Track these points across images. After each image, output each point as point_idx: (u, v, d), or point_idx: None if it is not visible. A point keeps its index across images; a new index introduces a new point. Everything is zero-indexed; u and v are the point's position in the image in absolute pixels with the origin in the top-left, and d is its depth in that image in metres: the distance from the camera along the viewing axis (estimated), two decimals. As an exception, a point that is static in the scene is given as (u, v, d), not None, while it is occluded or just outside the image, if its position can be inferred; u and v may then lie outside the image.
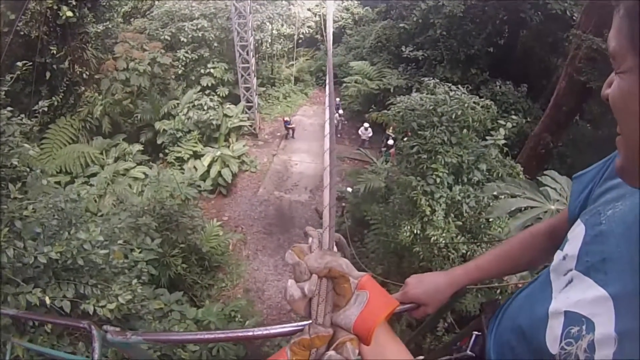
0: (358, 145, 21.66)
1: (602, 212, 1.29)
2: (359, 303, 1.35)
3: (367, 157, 18.34)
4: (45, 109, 16.74)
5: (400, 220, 11.90)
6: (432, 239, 10.77)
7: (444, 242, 10.77)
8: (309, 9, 29.89)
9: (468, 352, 1.97)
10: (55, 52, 18.88)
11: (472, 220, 11.52)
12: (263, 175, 22.08)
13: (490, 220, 11.35)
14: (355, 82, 23.97)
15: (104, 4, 20.91)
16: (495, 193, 9.28)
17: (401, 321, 12.36)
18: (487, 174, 11.39)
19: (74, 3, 18.59)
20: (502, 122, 11.87)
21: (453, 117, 11.21)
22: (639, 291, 1.00)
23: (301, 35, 29.73)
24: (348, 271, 1.34)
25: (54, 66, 19.20)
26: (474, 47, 21.78)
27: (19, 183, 7.76)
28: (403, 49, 23.44)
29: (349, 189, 18.96)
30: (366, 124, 20.88)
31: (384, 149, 20.94)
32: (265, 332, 1.92)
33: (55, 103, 19.09)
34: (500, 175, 11.22)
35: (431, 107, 11.46)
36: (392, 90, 22.03)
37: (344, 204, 18.68)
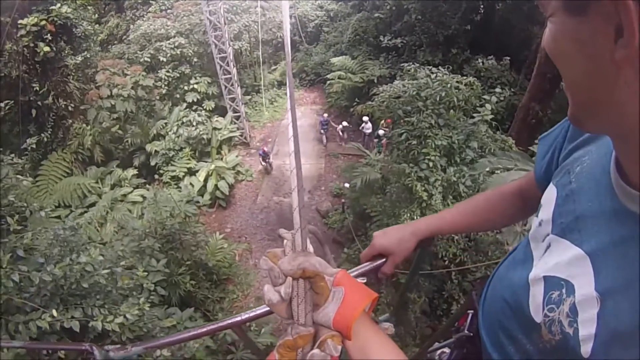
0: (359, 141, 21.38)
1: (570, 170, 1.27)
2: (336, 300, 1.36)
3: (359, 151, 18.26)
4: (34, 146, 17.04)
5: (399, 208, 11.88)
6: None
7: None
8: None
9: (465, 332, 1.96)
10: (37, 88, 18.90)
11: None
12: (260, 182, 22.04)
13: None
14: (339, 77, 23.89)
15: (79, 34, 20.74)
16: (488, 169, 9.30)
17: (415, 309, 12.42)
18: (479, 151, 11.38)
19: (50, 38, 18.66)
20: (487, 97, 11.85)
21: (437, 99, 11.21)
22: (616, 244, 0.97)
23: (279, 39, 29.49)
24: (322, 269, 1.36)
25: (39, 103, 19.21)
26: (451, 27, 21.73)
27: (17, 217, 7.80)
28: (381, 38, 23.46)
29: (347, 185, 19.06)
30: (365, 118, 20.61)
31: (376, 140, 20.89)
32: (252, 314, 2.00)
33: (45, 139, 19.41)
34: (492, 150, 11.21)
35: (414, 93, 11.45)
36: (376, 81, 21.94)
37: (343, 200, 18.73)
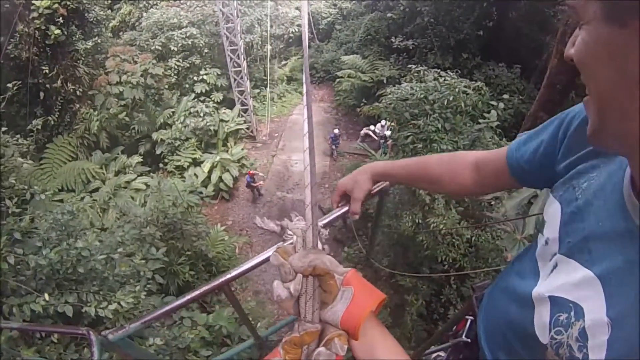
0: (374, 147, 21.16)
1: (576, 186, 1.24)
2: (345, 299, 1.37)
3: (366, 151, 18.21)
4: (40, 128, 17.05)
5: (401, 210, 11.89)
6: (433, 226, 10.74)
7: (444, 229, 10.73)
8: (297, 8, 29.74)
9: (464, 338, 1.97)
10: (47, 72, 18.95)
11: (473, 204, 11.50)
12: (264, 176, 22.05)
13: (492, 203, 11.35)
14: (348, 76, 23.80)
15: (92, 19, 20.84)
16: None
17: (411, 311, 12.45)
18: (484, 156, 11.39)
19: (62, 21, 18.70)
20: (494, 103, 11.82)
21: (445, 103, 11.19)
22: (629, 267, 0.93)
23: (291, 35, 29.67)
24: (332, 268, 1.37)
25: (47, 86, 19.27)
26: (463, 31, 21.66)
27: (16, 199, 7.83)
28: (393, 39, 23.34)
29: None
30: (383, 122, 20.02)
31: (382, 141, 20.88)
32: (239, 270, 2.04)
33: (52, 122, 19.49)
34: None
35: (422, 96, 11.43)
36: (385, 82, 21.89)
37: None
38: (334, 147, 22.41)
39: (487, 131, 11.16)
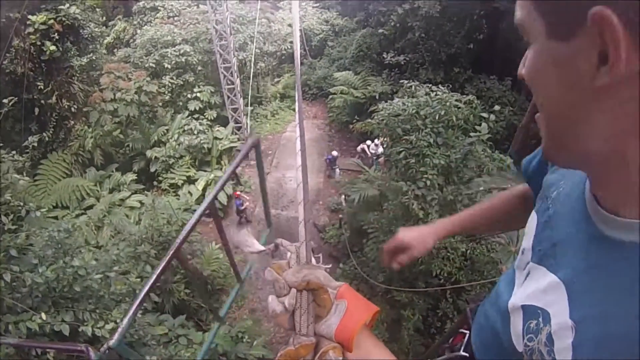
0: (368, 163, 20.84)
1: (548, 196, 1.26)
2: (338, 312, 1.44)
3: (359, 167, 18.19)
4: (35, 145, 17.07)
5: (395, 226, 11.89)
6: (426, 241, 10.75)
7: (439, 243, 10.74)
8: (289, 25, 29.71)
9: (461, 352, 1.95)
10: (42, 87, 19.06)
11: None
12: (258, 194, 21.79)
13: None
14: (341, 92, 23.83)
15: (87, 36, 20.93)
16: (482, 188, 9.30)
17: (408, 326, 12.43)
18: (477, 170, 11.41)
19: (57, 37, 18.80)
20: (485, 115, 11.85)
21: (437, 118, 11.26)
22: (591, 271, 0.95)
23: (284, 52, 29.62)
24: (326, 282, 1.45)
25: (42, 102, 19.35)
26: (454, 46, 21.83)
27: (12, 216, 7.82)
28: (385, 55, 23.48)
29: (342, 198, 19.15)
30: (377, 141, 19.99)
31: (374, 158, 20.92)
32: (186, 230, 2.02)
33: (46, 138, 19.50)
34: (490, 170, 11.23)
35: (414, 111, 11.50)
36: (377, 97, 21.90)
37: (341, 216, 18.69)
38: (331, 168, 22.34)
39: (478, 144, 11.21)
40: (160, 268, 2.21)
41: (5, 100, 10.68)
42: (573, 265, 1.01)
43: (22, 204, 8.72)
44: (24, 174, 13.41)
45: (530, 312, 1.11)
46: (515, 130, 16.80)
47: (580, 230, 1.02)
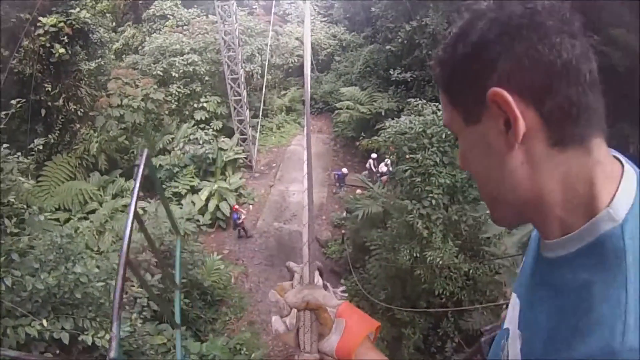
0: (373, 179, 20.51)
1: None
2: (339, 330, 1.50)
3: (363, 183, 18.08)
4: (41, 147, 16.99)
5: (399, 244, 11.84)
6: (429, 259, 10.68)
7: (440, 262, 10.67)
8: (297, 38, 29.77)
9: None
10: (49, 89, 19.01)
11: (471, 237, 11.47)
12: (261, 207, 21.99)
13: (489, 237, 11.30)
14: (347, 107, 23.83)
15: (96, 41, 20.98)
16: (488, 211, 9.23)
17: (409, 344, 12.33)
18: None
19: (67, 40, 18.81)
20: None
21: (443, 136, 11.22)
22: (533, 287, 1.09)
23: (291, 65, 29.63)
24: (325, 302, 1.54)
25: (49, 104, 19.30)
26: (460, 64, 21.63)
27: (15, 219, 7.76)
28: (391, 72, 23.48)
29: (344, 214, 19.27)
30: (387, 160, 19.46)
31: (378, 175, 20.84)
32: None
33: (52, 141, 19.38)
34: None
35: (420, 129, 11.46)
36: (383, 114, 21.88)
37: (344, 231, 18.61)
38: (338, 184, 22.28)
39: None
40: (120, 279, 2.15)
41: (13, 102, 10.65)
42: (524, 283, 1.16)
43: (25, 206, 8.64)
44: (29, 176, 13.39)
45: (504, 333, 1.23)
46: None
47: (531, 256, 1.16)
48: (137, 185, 2.10)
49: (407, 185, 11.41)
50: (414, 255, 11.08)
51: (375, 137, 12.79)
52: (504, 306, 10.60)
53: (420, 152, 11.18)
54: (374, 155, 20.91)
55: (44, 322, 5.81)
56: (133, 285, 9.45)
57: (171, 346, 11.44)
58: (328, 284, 2.26)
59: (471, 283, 11.79)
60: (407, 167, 11.25)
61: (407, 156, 11.40)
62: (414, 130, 11.47)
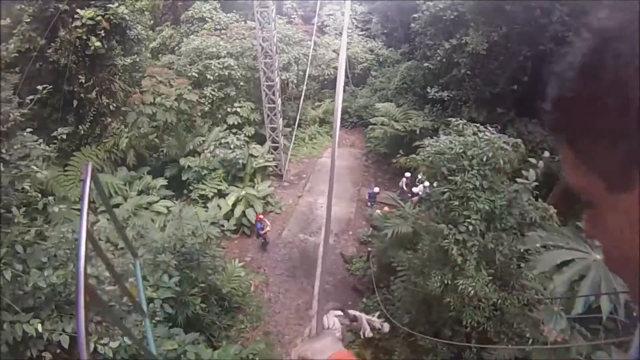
0: (404, 199, 19.67)
1: None
2: None
3: (395, 202, 17.51)
4: (65, 137, 16.96)
5: (429, 268, 11.25)
6: (460, 288, 10.06)
7: (472, 291, 10.03)
8: (334, 50, 29.58)
9: None
10: (83, 81, 19.04)
11: (503, 267, 10.84)
12: (288, 217, 21.63)
13: (521, 265, 10.68)
14: (382, 124, 23.43)
15: (133, 37, 20.96)
16: (538, 245, 8.67)
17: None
18: (519, 218, 10.72)
19: (103, 34, 18.82)
20: (532, 160, 11.14)
21: (484, 159, 10.60)
22: None
23: (327, 77, 29.37)
24: (317, 356, 1.66)
25: (82, 95, 19.34)
26: (498, 85, 21.13)
27: (24, 208, 7.40)
28: (428, 89, 22.87)
29: (371, 230, 19.09)
30: (427, 183, 18.49)
31: (409, 195, 20.34)
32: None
33: (82, 132, 19.60)
34: (533, 219, 10.53)
35: (460, 150, 10.83)
36: (418, 132, 21.57)
37: (370, 249, 18.06)
38: (370, 203, 21.65)
39: (524, 192, 10.51)
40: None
41: (39, 87, 10.42)
42: None
43: (39, 196, 8.24)
44: (50, 164, 13.16)
45: None
46: (553, 177, 15.94)
47: None
48: (86, 200, 1.95)
49: (444, 208, 10.80)
50: (445, 282, 10.46)
51: (413, 156, 12.10)
52: (529, 342, 10.15)
53: (460, 174, 10.58)
54: (407, 175, 20.51)
55: (39, 327, 5.40)
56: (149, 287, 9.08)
57: (181, 351, 11.13)
58: (359, 314, 2.34)
59: (498, 314, 11.17)
60: (445, 189, 10.64)
61: (445, 177, 10.81)
62: (454, 150, 10.86)
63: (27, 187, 7.68)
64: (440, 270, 10.62)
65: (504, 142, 11.05)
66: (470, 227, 10.06)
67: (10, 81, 15.25)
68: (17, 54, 17.70)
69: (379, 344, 15.02)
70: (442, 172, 10.86)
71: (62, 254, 6.73)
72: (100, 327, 6.23)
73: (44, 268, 5.96)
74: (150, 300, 11.93)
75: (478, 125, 11.75)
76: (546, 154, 11.97)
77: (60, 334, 5.68)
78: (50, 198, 7.93)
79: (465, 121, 12.01)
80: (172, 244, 13.92)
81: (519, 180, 10.61)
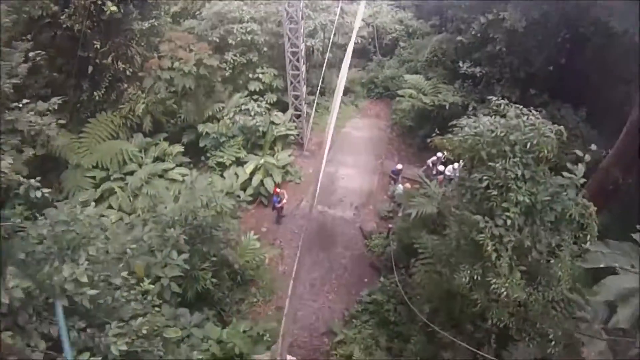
0: (430, 177, 18.57)
1: None
2: None
3: (421, 180, 16.23)
4: (79, 104, 16.08)
5: (457, 259, 9.99)
6: (493, 288, 8.78)
7: (506, 293, 8.75)
8: (362, 19, 28.08)
9: None
10: (98, 47, 18.00)
11: (535, 264, 9.50)
12: (307, 187, 20.54)
13: (550, 261, 9.34)
14: (410, 96, 22.21)
15: (151, 1, 19.83)
16: (602, 265, 7.35)
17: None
18: (559, 215, 9.34)
19: (119, -1, 17.66)
20: (578, 152, 9.63)
21: (527, 146, 9.19)
22: None
23: (353, 45, 27.67)
24: None
25: (97, 61, 18.33)
26: (534, 65, 19.69)
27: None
28: (460, 64, 21.43)
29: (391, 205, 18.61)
30: (456, 164, 17.86)
31: (433, 174, 19.24)
32: None
33: (97, 98, 18.61)
34: (573, 217, 9.15)
35: (502, 134, 9.41)
36: (447, 107, 20.40)
37: (390, 226, 17.17)
38: (392, 181, 20.47)
39: (570, 188, 9.10)
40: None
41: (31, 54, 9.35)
42: None
43: (20, 178, 7.10)
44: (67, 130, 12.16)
45: None
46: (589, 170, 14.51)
47: None
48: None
49: (479, 196, 9.41)
50: (475, 277, 9.16)
51: (450, 136, 10.55)
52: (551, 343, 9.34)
53: (500, 160, 9.19)
54: (439, 154, 19.30)
55: (9, 339, 4.35)
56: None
57: (185, 335, 10.85)
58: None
59: (522, 310, 9.92)
60: (485, 177, 9.24)
61: (483, 163, 9.41)
62: (495, 133, 9.45)
63: (5, 171, 6.60)
64: (470, 264, 9.32)
65: (549, 128, 9.62)
66: (509, 222, 8.71)
67: (23, 49, 14.65)
68: (29, 21, 16.86)
69: (394, 328, 14.25)
70: (480, 156, 9.45)
71: (42, 249, 5.59)
72: (84, 335, 5.19)
73: (21, 266, 4.88)
74: (157, 278, 11.01)
75: (521, 107, 10.25)
76: (593, 146, 10.39)
77: (33, 351, 4.76)
78: (32, 180, 6.55)
79: (506, 101, 10.46)
80: (184, 216, 12.91)
81: (565, 174, 9.18)
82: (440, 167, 19.12)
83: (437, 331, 11.03)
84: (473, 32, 21.10)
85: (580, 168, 9.13)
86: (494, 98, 10.69)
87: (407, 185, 18.54)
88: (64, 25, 17.07)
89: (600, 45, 18.24)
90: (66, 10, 17.02)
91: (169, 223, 12.60)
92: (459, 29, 23.03)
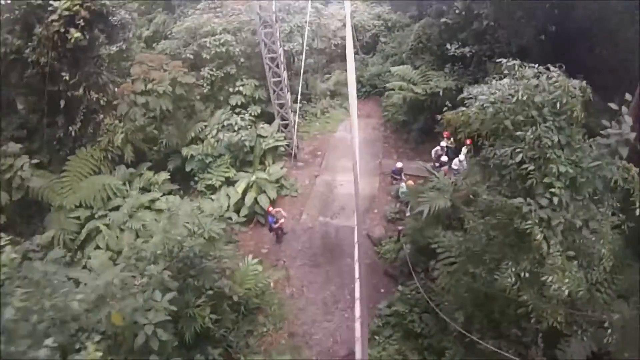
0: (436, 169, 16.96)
1: None
2: None
3: (420, 173, 14.50)
4: (55, 142, 14.66)
5: (497, 255, 8.08)
6: (553, 288, 6.80)
7: (567, 291, 6.80)
8: (339, 20, 26.86)
9: None
10: (67, 78, 16.64)
11: (584, 245, 7.60)
12: (305, 199, 18.96)
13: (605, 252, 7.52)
14: (400, 88, 20.63)
15: (116, 23, 18.25)
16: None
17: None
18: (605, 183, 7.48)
19: (83, 24, 16.24)
20: (615, 107, 7.78)
21: (558, 106, 7.33)
22: None
23: (333, 48, 26.85)
24: None
25: (68, 94, 17.04)
26: (525, 37, 18.19)
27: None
28: (448, 47, 19.87)
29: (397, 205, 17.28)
30: (464, 149, 16.94)
31: (436, 165, 17.64)
32: None
33: (73, 133, 17.40)
34: (617, 183, 7.24)
35: (525, 97, 7.49)
36: (441, 94, 18.72)
37: (400, 227, 15.54)
38: (395, 181, 18.90)
39: (621, 146, 7.19)
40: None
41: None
42: None
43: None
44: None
45: None
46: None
47: None
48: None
49: (511, 175, 7.37)
50: (523, 274, 7.18)
51: (463, 109, 8.53)
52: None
53: (528, 127, 7.29)
54: (443, 144, 18.03)
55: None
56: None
57: None
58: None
59: (567, 299, 7.99)
60: (518, 149, 7.21)
61: (510, 134, 7.41)
62: (517, 98, 7.54)
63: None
64: (514, 259, 7.35)
65: (572, 86, 7.78)
66: (555, 200, 6.76)
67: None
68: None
69: (423, 341, 12.39)
70: (505, 126, 7.48)
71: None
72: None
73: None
74: (142, 326, 9.19)
75: (539, 67, 8.44)
76: (613, 105, 8.53)
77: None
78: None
79: (520, 62, 8.56)
80: (167, 248, 11.13)
81: (607, 131, 7.31)
82: (444, 158, 17.58)
83: (477, 342, 9.15)
84: (457, 12, 19.70)
85: (625, 126, 7.27)
86: (505, 60, 8.80)
87: (410, 182, 17.09)
88: (29, 60, 16.04)
89: (590, 7, 16.80)
90: (30, 43, 15.96)
91: (150, 259, 10.83)
92: (441, 12, 21.63)
